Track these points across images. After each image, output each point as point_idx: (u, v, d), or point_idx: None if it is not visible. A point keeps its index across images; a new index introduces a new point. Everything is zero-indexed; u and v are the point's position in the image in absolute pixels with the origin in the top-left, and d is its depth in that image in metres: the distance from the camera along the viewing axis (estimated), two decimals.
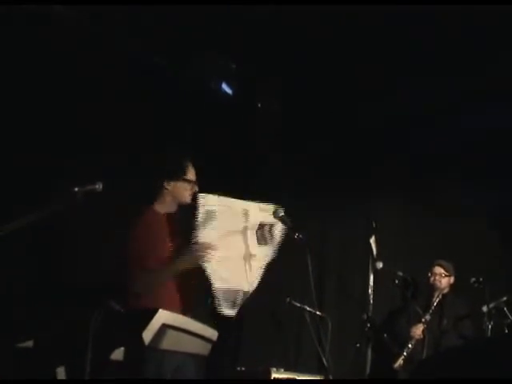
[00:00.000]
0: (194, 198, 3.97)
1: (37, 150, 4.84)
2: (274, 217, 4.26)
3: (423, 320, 5.69)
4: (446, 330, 5.77)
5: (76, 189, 3.60)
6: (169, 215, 4.05)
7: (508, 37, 5.19)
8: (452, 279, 5.98)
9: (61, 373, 4.12)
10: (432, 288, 5.92)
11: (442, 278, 5.93)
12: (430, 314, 5.74)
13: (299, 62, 5.68)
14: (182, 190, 4.04)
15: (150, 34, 5.28)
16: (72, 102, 5.01)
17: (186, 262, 3.82)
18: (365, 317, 4.87)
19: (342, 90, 6.02)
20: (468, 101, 5.98)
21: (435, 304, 5.81)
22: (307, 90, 6.05)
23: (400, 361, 5.52)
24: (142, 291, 3.81)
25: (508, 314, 5.50)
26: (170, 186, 4.03)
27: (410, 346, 5.60)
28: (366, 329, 4.91)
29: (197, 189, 4.04)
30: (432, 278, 5.94)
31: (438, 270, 5.95)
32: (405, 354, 5.55)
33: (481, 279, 5.58)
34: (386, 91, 6.01)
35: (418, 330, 5.67)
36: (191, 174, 4.08)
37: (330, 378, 4.73)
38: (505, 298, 5.57)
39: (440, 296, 5.86)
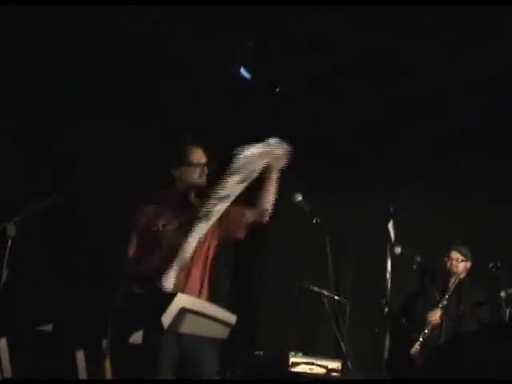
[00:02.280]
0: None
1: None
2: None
3: (440, 305, 5.68)
4: (463, 315, 5.74)
5: None
6: (182, 199, 4.03)
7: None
8: (469, 264, 5.93)
9: (80, 356, 4.14)
10: (448, 273, 5.88)
11: (459, 263, 5.88)
12: (447, 299, 5.72)
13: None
14: (190, 174, 3.97)
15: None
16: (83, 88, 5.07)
17: None
18: (383, 301, 4.86)
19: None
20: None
21: (452, 289, 5.79)
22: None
23: (416, 346, 5.52)
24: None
25: None
26: (178, 172, 3.99)
27: (426, 331, 5.59)
28: (385, 313, 4.90)
29: (206, 171, 3.98)
30: (449, 263, 5.89)
31: (455, 255, 5.90)
32: (421, 339, 5.55)
33: (499, 264, 5.56)
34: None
35: (434, 316, 5.65)
36: (196, 157, 4.00)
37: (348, 362, 4.76)
38: None
39: (457, 281, 5.83)
